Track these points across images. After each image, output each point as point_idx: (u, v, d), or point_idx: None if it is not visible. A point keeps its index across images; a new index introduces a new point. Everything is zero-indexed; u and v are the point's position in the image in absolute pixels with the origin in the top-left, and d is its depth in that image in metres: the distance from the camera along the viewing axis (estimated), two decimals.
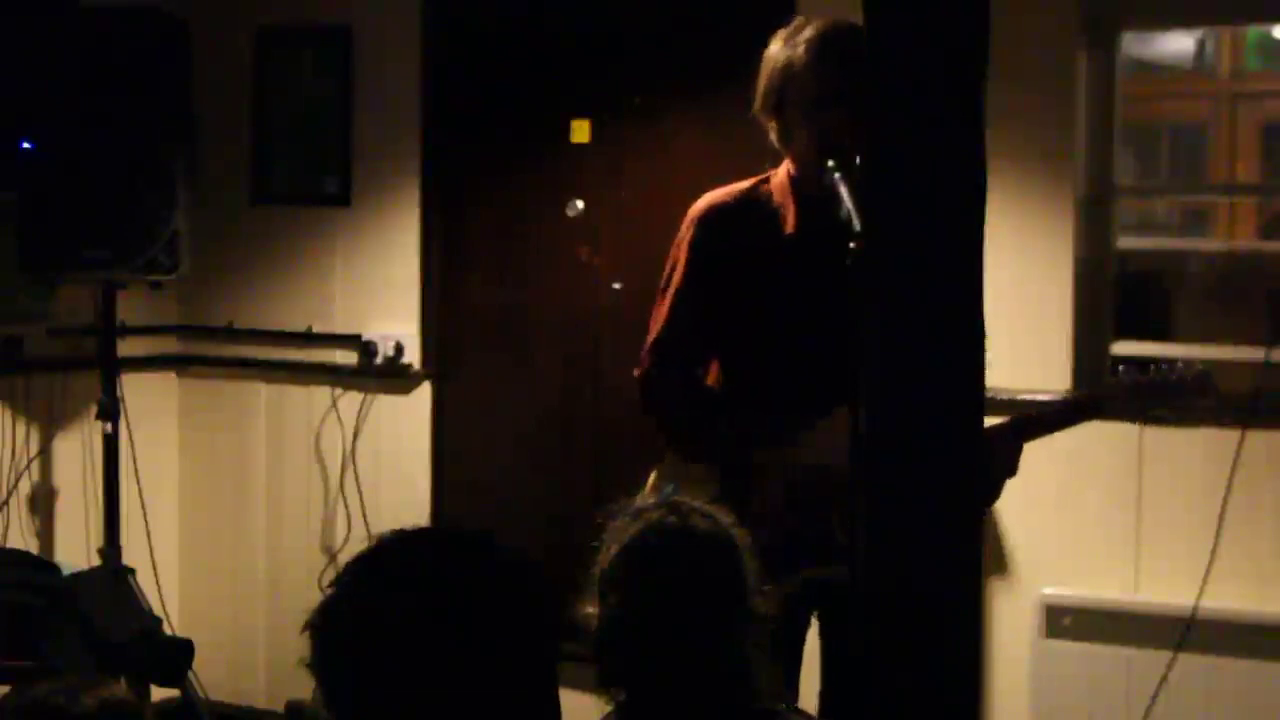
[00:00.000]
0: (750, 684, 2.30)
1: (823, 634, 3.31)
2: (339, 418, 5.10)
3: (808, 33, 3.14)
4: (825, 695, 3.29)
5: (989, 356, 1.76)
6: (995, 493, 3.22)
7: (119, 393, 4.76)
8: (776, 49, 3.16)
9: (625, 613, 2.26)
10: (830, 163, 3.00)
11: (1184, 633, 3.95)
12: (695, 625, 2.25)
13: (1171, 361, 3.30)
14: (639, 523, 2.32)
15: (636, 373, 3.29)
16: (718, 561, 2.29)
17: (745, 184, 3.28)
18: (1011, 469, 3.18)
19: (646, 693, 2.29)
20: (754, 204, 3.23)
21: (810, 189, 3.15)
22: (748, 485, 3.13)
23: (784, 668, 3.14)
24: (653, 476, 3.26)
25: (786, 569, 2.96)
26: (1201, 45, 7.94)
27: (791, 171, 3.21)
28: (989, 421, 3.11)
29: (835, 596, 3.14)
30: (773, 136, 3.21)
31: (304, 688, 1.76)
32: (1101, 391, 3.34)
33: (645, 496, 3.11)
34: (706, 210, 3.26)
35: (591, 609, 2.31)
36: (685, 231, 3.27)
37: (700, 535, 2.31)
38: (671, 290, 3.27)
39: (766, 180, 3.26)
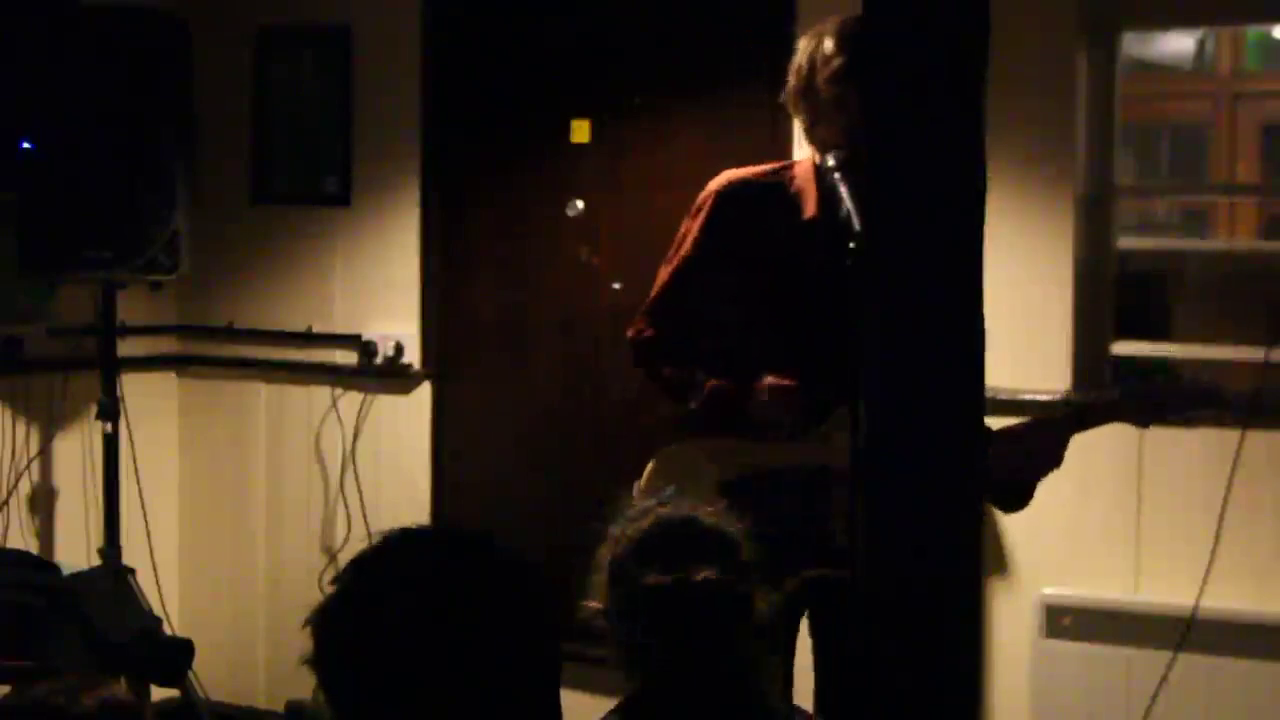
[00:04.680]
0: (754, 682, 2.30)
1: (815, 633, 3.30)
2: (339, 418, 5.10)
3: (834, 32, 3.20)
4: (820, 695, 3.28)
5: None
6: (1031, 489, 3.22)
7: (119, 393, 4.76)
8: (805, 43, 3.24)
9: (631, 606, 2.27)
10: (830, 162, 3.02)
11: (1184, 633, 3.94)
12: (700, 619, 2.25)
13: (1178, 374, 3.31)
14: (647, 517, 2.33)
15: (630, 334, 3.34)
16: (723, 557, 2.29)
17: (767, 167, 3.33)
18: (1054, 461, 3.19)
19: (651, 688, 2.29)
20: (776, 187, 3.27)
21: (832, 177, 3.17)
22: (752, 483, 3.14)
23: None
24: (650, 466, 3.26)
25: (787, 569, 2.96)
26: (1201, 45, 7.95)
27: (816, 160, 3.23)
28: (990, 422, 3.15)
29: (827, 597, 3.13)
30: (801, 125, 3.25)
31: (304, 688, 1.77)
32: (1111, 401, 3.34)
33: (642, 487, 3.11)
34: (728, 186, 3.29)
35: (596, 605, 2.32)
36: (704, 203, 3.29)
37: (706, 531, 2.32)
38: (680, 257, 3.30)
39: (789, 166, 3.30)
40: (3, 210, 4.53)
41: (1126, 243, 4.40)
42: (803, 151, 3.42)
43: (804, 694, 3.26)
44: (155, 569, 5.01)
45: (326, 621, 1.68)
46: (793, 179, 3.26)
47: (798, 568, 3.06)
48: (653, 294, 3.34)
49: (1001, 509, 3.28)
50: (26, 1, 4.53)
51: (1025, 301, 4.12)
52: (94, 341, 4.81)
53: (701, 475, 3.15)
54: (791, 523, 3.09)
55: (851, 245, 2.79)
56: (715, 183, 3.30)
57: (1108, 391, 3.35)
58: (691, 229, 3.29)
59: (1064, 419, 3.25)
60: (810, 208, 3.21)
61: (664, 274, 3.33)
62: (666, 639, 2.26)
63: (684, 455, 3.23)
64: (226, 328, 5.30)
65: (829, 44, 3.16)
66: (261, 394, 5.28)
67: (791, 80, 3.23)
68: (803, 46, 3.23)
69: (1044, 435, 3.22)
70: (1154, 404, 3.27)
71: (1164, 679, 3.95)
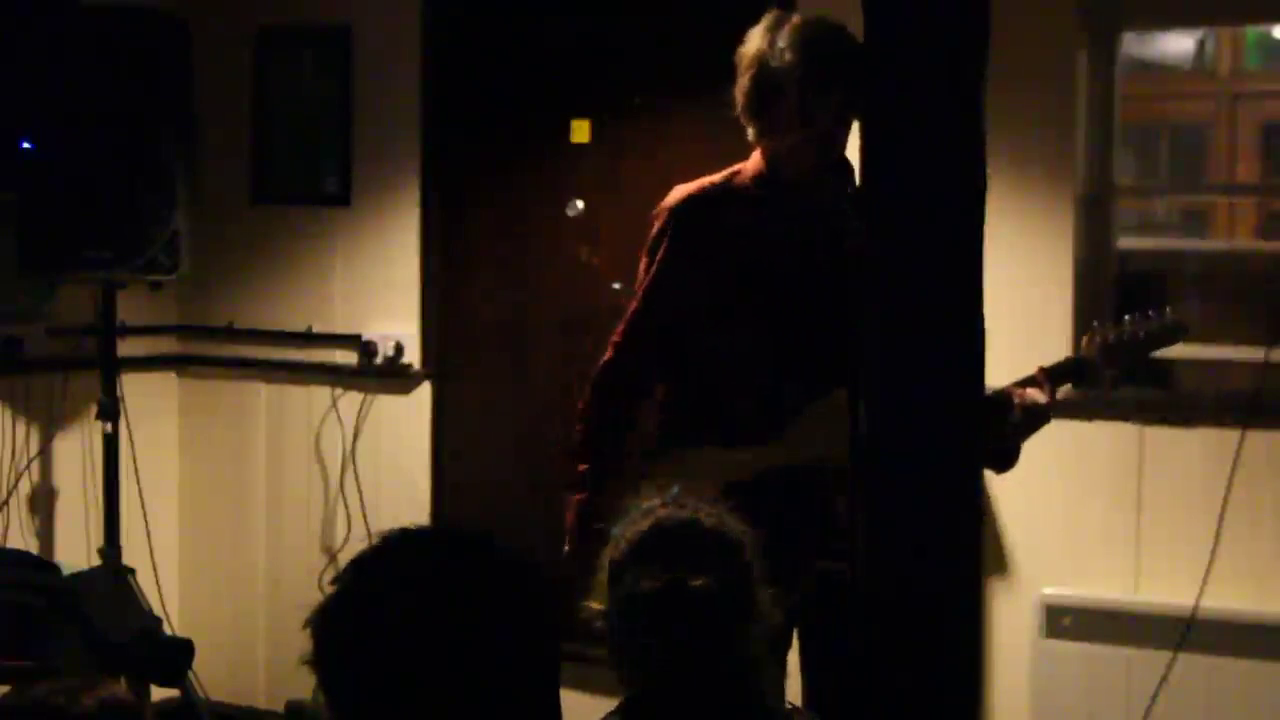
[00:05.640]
0: (755, 681, 2.30)
1: (806, 634, 3.28)
2: (339, 418, 5.10)
3: (789, 36, 3.12)
4: (814, 695, 3.27)
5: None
6: (1017, 450, 3.23)
7: (119, 393, 4.76)
8: (758, 49, 3.14)
9: (630, 607, 2.26)
10: (850, 197, 3.02)
11: (1184, 633, 3.94)
12: (698, 619, 2.25)
13: (1144, 313, 3.29)
14: (648, 519, 2.33)
15: (604, 363, 3.31)
16: (723, 558, 2.29)
17: (717, 177, 3.27)
18: (1040, 420, 3.20)
19: (650, 689, 2.29)
20: (730, 196, 3.23)
21: (789, 181, 3.16)
22: (749, 485, 3.13)
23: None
24: (660, 468, 3.23)
25: (786, 569, 2.96)
26: (1201, 45, 7.95)
27: (766, 163, 3.21)
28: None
29: (820, 595, 3.11)
30: (750, 132, 3.21)
31: (304, 688, 1.77)
32: (1082, 356, 3.33)
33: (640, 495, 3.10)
34: (683, 202, 3.25)
35: (596, 605, 2.32)
36: (662, 224, 3.25)
37: (707, 532, 2.31)
38: (649, 283, 3.26)
39: (738, 173, 3.26)
40: (3, 210, 4.53)
41: (1126, 243, 4.40)
42: None
43: (792, 694, 3.25)
44: (155, 569, 5.01)
45: (326, 622, 1.68)
46: (745, 186, 3.23)
47: (796, 567, 3.05)
48: (623, 322, 3.31)
49: (991, 470, 3.27)
50: (26, 1, 4.53)
51: (1025, 301, 4.12)
52: (94, 341, 4.80)
53: (701, 481, 3.13)
54: (789, 522, 3.07)
55: (851, 246, 2.79)
56: (671, 199, 3.26)
57: (1082, 348, 3.35)
58: (657, 249, 3.24)
59: (1045, 376, 3.25)
60: (770, 216, 3.19)
61: (633, 302, 3.30)
62: (662, 643, 2.25)
63: (687, 462, 3.21)
64: (226, 328, 5.30)
65: (791, 65, 3.09)
66: (261, 394, 5.28)
67: (743, 102, 3.16)
68: (753, 57, 3.14)
69: (1028, 395, 3.21)
70: (1126, 348, 3.27)
71: (1164, 679, 3.95)
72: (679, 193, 3.27)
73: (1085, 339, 3.33)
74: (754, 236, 3.21)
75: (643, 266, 3.29)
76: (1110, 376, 3.39)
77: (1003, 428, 3.16)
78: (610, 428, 3.31)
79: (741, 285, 3.21)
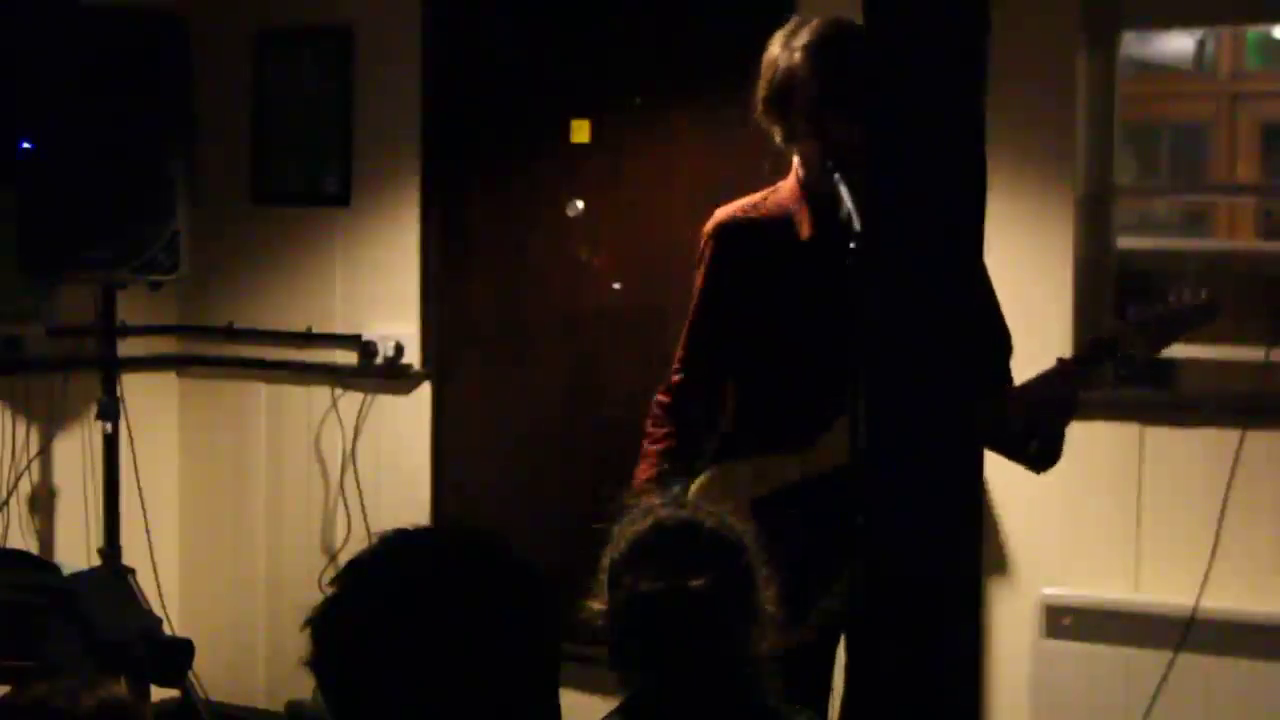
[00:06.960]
0: (754, 680, 2.30)
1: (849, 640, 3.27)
2: (339, 418, 5.10)
3: (805, 36, 3.14)
4: (845, 705, 3.26)
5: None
6: (1059, 444, 3.23)
7: (119, 393, 4.76)
8: (775, 53, 3.17)
9: (629, 608, 2.27)
10: (829, 163, 3.02)
11: (1184, 633, 3.95)
12: (698, 620, 2.25)
13: (1178, 295, 3.29)
14: (648, 519, 2.33)
15: (669, 384, 3.32)
16: (723, 558, 2.29)
17: (755, 196, 3.30)
18: (1071, 408, 3.20)
19: (650, 688, 2.29)
20: (765, 214, 3.25)
21: (819, 190, 3.16)
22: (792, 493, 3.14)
23: (813, 694, 3.08)
24: (696, 484, 3.22)
25: (829, 574, 2.96)
26: (1201, 45, 7.94)
27: (800, 175, 3.23)
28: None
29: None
30: (778, 139, 3.22)
31: (304, 688, 1.77)
32: (1113, 334, 3.32)
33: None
34: (720, 226, 3.28)
35: (598, 605, 2.32)
36: (703, 250, 3.30)
37: (707, 532, 2.32)
38: (693, 306, 3.31)
39: (775, 190, 3.28)
40: (3, 210, 4.53)
41: (1126, 243, 4.40)
42: None
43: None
44: (155, 569, 5.02)
45: (325, 623, 1.68)
46: (781, 201, 3.25)
47: (835, 573, 3.05)
48: (679, 348, 3.34)
49: (1034, 469, 3.26)
50: (26, 1, 4.53)
51: (1025, 301, 4.12)
52: (94, 341, 4.81)
53: (742, 493, 3.14)
54: (824, 531, 3.06)
55: (852, 245, 2.79)
56: (708, 225, 3.30)
57: (1111, 329, 3.34)
58: (700, 276, 3.29)
59: (1074, 361, 3.25)
60: (805, 228, 3.20)
61: (687, 325, 3.34)
62: (662, 643, 2.25)
63: (729, 475, 3.22)
64: (226, 328, 5.30)
65: (802, 64, 3.11)
66: (261, 394, 5.28)
67: (761, 107, 3.18)
68: (770, 60, 3.16)
69: (1058, 384, 3.20)
70: (1157, 328, 3.26)
71: (1164, 679, 3.95)
72: (717, 216, 3.30)
73: (1117, 323, 3.33)
74: (789, 251, 3.21)
75: (694, 292, 3.34)
76: (1114, 372, 3.39)
77: (1017, 420, 3.16)
78: (681, 437, 3.31)
79: (778, 301, 3.22)
